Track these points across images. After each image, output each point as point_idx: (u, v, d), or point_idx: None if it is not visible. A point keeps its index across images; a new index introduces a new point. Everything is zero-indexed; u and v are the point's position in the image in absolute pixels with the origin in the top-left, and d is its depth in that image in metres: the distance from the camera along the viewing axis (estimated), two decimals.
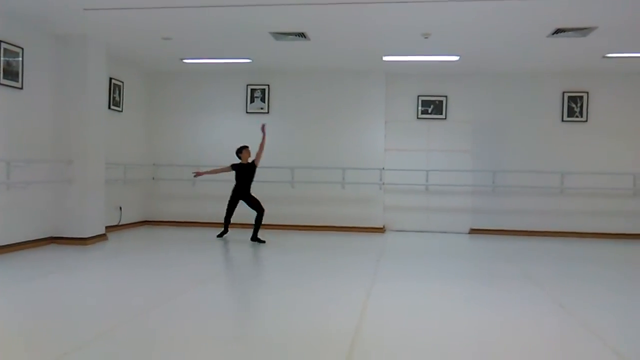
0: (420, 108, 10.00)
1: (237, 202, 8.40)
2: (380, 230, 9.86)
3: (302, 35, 7.50)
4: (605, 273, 6.46)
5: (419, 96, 10.00)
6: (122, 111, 9.43)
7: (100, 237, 7.93)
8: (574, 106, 9.72)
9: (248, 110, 10.20)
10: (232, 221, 8.56)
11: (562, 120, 9.76)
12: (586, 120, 9.70)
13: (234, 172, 8.39)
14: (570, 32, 7.08)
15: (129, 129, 9.82)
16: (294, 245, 8.27)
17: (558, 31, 7.03)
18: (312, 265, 6.64)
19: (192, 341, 3.60)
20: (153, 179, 10.39)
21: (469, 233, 9.89)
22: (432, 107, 9.96)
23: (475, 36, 7.41)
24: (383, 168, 9.80)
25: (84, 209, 7.64)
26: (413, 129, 10.04)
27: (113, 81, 9.04)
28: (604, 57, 8.34)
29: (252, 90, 10.18)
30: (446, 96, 9.95)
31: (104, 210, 8.19)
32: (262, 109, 10.14)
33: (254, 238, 8.21)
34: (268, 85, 10.14)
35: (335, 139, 10.01)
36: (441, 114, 9.95)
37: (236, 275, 5.89)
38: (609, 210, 9.62)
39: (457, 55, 8.50)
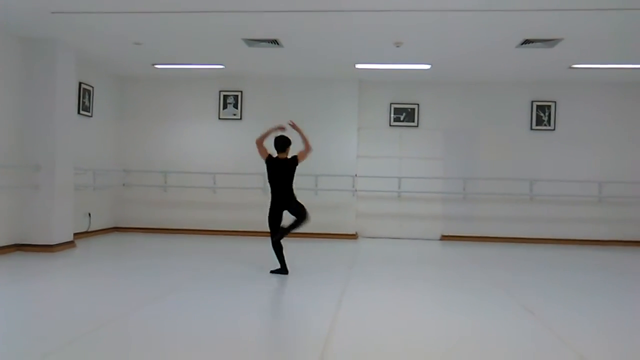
0: (392, 115, 10.09)
1: (281, 215, 6.33)
2: (353, 237, 9.88)
3: (275, 42, 7.51)
4: (573, 278, 6.59)
5: (391, 104, 10.09)
6: (92, 116, 9.28)
7: (68, 244, 7.78)
8: (542, 115, 9.92)
9: (221, 117, 10.15)
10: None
11: (531, 129, 9.95)
12: (554, 129, 9.90)
13: (264, 168, 6.43)
14: (538, 43, 7.25)
15: (99, 134, 9.67)
16: (266, 252, 8.22)
17: (526, 42, 7.18)
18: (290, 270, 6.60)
19: (160, 349, 3.55)
20: (123, 185, 10.25)
21: (440, 240, 9.99)
22: (405, 115, 10.06)
23: (446, 45, 7.52)
24: (355, 175, 9.84)
25: (51, 216, 7.49)
26: (385, 137, 10.12)
27: (83, 86, 8.89)
28: (571, 67, 8.55)
29: (225, 97, 10.13)
30: (418, 104, 10.05)
31: (73, 217, 8.03)
32: (234, 115, 10.10)
33: (280, 237, 6.26)
34: (241, 92, 10.11)
35: None
36: (413, 121, 10.05)
37: (207, 282, 5.82)
38: (576, 217, 9.83)
39: (429, 64, 8.61)
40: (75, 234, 8.19)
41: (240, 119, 10.11)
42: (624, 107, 9.83)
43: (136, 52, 8.29)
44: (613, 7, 5.78)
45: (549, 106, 9.90)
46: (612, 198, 9.77)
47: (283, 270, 6.23)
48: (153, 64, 9.10)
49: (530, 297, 5.37)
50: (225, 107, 10.14)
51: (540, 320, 4.51)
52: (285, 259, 6.28)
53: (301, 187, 9.81)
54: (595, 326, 4.46)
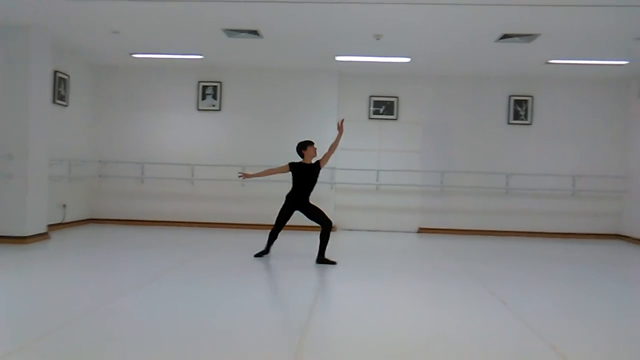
0: (372, 108, 10.11)
1: (291, 213, 6.82)
2: (332, 229, 9.88)
3: (254, 32, 7.45)
4: (546, 270, 6.71)
5: (371, 96, 10.11)
6: (67, 105, 9.13)
7: (42, 236, 7.65)
8: (520, 109, 10.03)
9: (199, 107, 10.06)
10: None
11: (508, 123, 10.06)
12: (531, 124, 10.03)
13: (290, 173, 6.90)
14: (516, 38, 7.32)
15: (75, 124, 9.52)
16: (243, 244, 8.20)
17: (505, 37, 7.25)
18: (261, 265, 6.60)
19: (134, 342, 3.53)
20: (100, 176, 10.11)
21: (418, 232, 10.07)
22: (384, 108, 10.09)
23: (426, 39, 7.55)
24: (335, 167, 9.85)
25: (24, 206, 7.35)
26: (365, 129, 10.14)
27: (58, 74, 8.74)
28: (547, 63, 8.65)
29: (204, 87, 10.04)
30: (397, 97, 10.09)
31: (47, 208, 7.89)
32: (213, 106, 10.03)
33: (321, 259, 6.61)
34: (220, 82, 10.03)
35: (288, 138, 9.93)
36: (392, 114, 10.08)
37: (182, 275, 5.79)
38: (551, 210, 9.99)
39: (408, 57, 8.63)
40: (49, 226, 8.06)
41: (220, 110, 10.04)
42: (598, 103, 9.99)
43: (114, 41, 8.17)
44: (588, 4, 5.86)
45: (526, 101, 10.01)
46: (586, 192, 9.95)
47: (265, 251, 6.85)
48: (131, 54, 8.97)
49: (504, 288, 5.45)
50: (204, 97, 10.05)
51: (512, 310, 4.58)
52: (270, 248, 6.90)
53: (280, 179, 9.84)
54: (566, 316, 4.55)
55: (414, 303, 4.96)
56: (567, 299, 5.22)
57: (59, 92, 8.83)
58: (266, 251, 6.88)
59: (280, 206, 6.84)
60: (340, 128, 6.71)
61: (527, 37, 7.24)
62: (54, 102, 8.63)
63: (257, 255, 6.82)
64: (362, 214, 10.21)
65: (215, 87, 10.02)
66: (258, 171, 7.07)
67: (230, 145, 10.02)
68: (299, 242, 8.57)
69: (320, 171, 6.89)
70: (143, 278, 5.44)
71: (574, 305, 4.95)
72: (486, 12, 6.29)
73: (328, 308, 4.55)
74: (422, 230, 10.07)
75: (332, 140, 6.82)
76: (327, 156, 6.77)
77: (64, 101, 9.02)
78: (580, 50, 7.91)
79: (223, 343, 3.57)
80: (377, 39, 7.53)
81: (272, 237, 6.87)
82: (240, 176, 6.96)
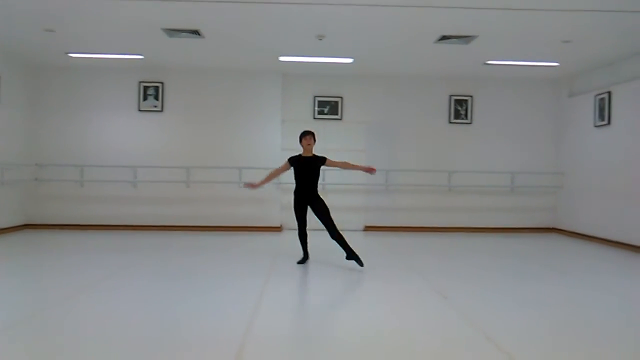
0: (316, 108, 10.16)
1: (305, 208, 6.58)
2: (278, 229, 9.90)
3: (196, 32, 7.36)
4: (485, 264, 6.93)
5: (315, 97, 10.15)
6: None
7: None
8: (460, 109, 10.32)
9: (141, 108, 9.83)
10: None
11: (450, 122, 10.32)
12: (471, 123, 10.33)
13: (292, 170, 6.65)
14: (454, 39, 7.52)
15: (9, 126, 9.11)
16: (187, 246, 8.08)
17: (443, 38, 7.44)
18: (206, 266, 6.52)
19: (70, 351, 3.42)
20: (36, 179, 9.72)
21: (364, 230, 10.19)
22: (328, 108, 10.15)
23: (368, 40, 7.65)
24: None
25: None
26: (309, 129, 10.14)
27: None
28: (485, 63, 8.93)
29: (145, 88, 9.82)
30: (342, 97, 10.18)
31: None
32: (155, 107, 9.82)
33: (351, 255, 6.31)
34: (162, 83, 9.84)
35: (232, 138, 9.92)
36: (337, 114, 10.16)
37: (124, 280, 5.65)
38: (491, 206, 10.32)
39: (351, 58, 8.73)
40: None
41: (162, 110, 9.85)
42: (534, 102, 10.40)
43: (48, 39, 7.86)
44: (520, 7, 6.09)
45: (466, 100, 10.30)
46: (523, 188, 10.34)
47: (305, 257, 6.69)
48: (67, 53, 8.67)
49: (445, 283, 5.61)
50: (145, 98, 9.83)
51: (452, 304, 4.72)
52: (307, 251, 6.71)
53: (225, 180, 9.77)
54: (503, 307, 4.72)
55: (355, 300, 5.02)
56: (505, 291, 5.41)
57: None
58: (305, 256, 6.70)
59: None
60: (369, 170, 6.55)
61: (465, 38, 7.45)
62: None
63: (299, 263, 6.61)
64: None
65: (156, 87, 9.82)
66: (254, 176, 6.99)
67: (173, 146, 9.84)
68: (243, 242, 8.53)
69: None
70: (79, 285, 5.27)
71: (512, 297, 5.14)
72: (424, 13, 6.43)
73: (272, 309, 4.54)
74: (368, 229, 10.20)
75: (342, 162, 6.64)
76: (336, 163, 6.55)
77: None
78: (515, 52, 8.21)
79: (161, 348, 3.51)
80: (320, 39, 7.57)
81: (303, 240, 6.68)
82: (247, 186, 6.79)
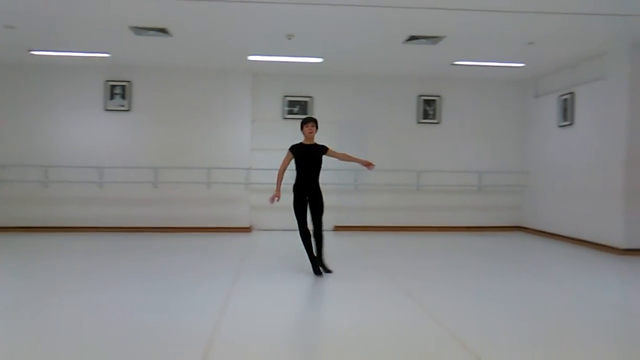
0: (286, 108, 10.14)
1: (306, 203, 6.09)
2: (247, 229, 9.85)
3: (163, 31, 7.27)
4: (453, 263, 7.03)
5: (285, 96, 10.13)
6: None
7: None
8: (429, 109, 10.43)
9: (107, 108, 9.66)
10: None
11: (418, 122, 10.43)
12: (439, 122, 10.45)
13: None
14: (422, 40, 7.60)
15: None
16: (155, 248, 7.98)
17: (412, 38, 7.51)
18: (174, 267, 6.45)
19: (36, 354, 3.34)
20: None
21: (334, 230, 10.21)
22: (298, 107, 10.15)
23: (337, 39, 7.67)
24: (249, 168, 9.79)
25: None
26: (279, 129, 10.12)
27: None
28: (453, 64, 9.05)
29: (112, 87, 9.65)
30: (312, 97, 10.18)
31: None
32: (122, 106, 9.66)
33: (316, 260, 6.04)
34: (129, 82, 9.68)
35: (201, 138, 9.82)
36: (307, 114, 10.13)
37: (90, 283, 5.55)
38: (459, 205, 10.47)
39: (321, 57, 8.74)
40: None
41: (129, 110, 9.69)
42: (500, 103, 10.58)
43: (9, 36, 7.64)
44: (486, 9, 6.19)
45: (435, 100, 10.42)
46: (490, 187, 10.51)
47: (314, 269, 5.89)
48: (29, 50, 8.45)
49: (412, 282, 5.66)
50: (112, 97, 9.66)
51: (419, 303, 4.77)
52: (314, 250, 6.00)
53: (195, 180, 9.68)
54: (469, 305, 4.79)
55: (324, 300, 5.03)
56: (472, 289, 5.49)
57: None
58: (315, 261, 5.98)
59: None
60: (367, 165, 6.37)
61: (433, 39, 7.53)
62: None
63: (317, 273, 5.91)
64: (278, 214, 10.15)
65: (124, 86, 9.66)
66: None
67: (141, 146, 9.70)
68: (212, 243, 8.46)
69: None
70: (42, 289, 5.16)
71: (479, 295, 5.22)
72: (393, 14, 6.47)
73: (239, 310, 4.51)
74: (337, 228, 10.22)
75: (343, 153, 6.44)
76: (337, 154, 6.28)
77: None
78: (482, 53, 8.34)
79: (128, 348, 3.46)
80: (289, 38, 7.56)
81: (307, 241, 6.01)
82: (273, 200, 6.07)
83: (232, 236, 9.26)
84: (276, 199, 6.04)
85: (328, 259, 6.22)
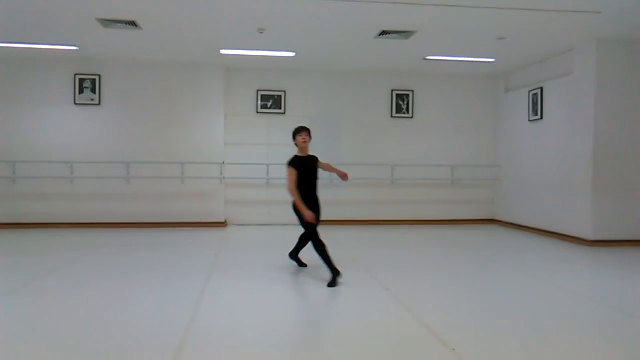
0: (259, 102, 10.10)
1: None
2: (222, 224, 9.80)
3: (132, 23, 7.15)
4: (428, 256, 7.12)
5: (258, 90, 10.09)
6: None
7: None
8: (401, 103, 10.50)
9: (77, 102, 9.49)
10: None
11: (391, 116, 10.49)
12: (412, 117, 10.53)
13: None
14: (394, 34, 7.63)
15: None
16: (127, 244, 7.89)
17: (383, 33, 7.53)
18: (147, 264, 6.38)
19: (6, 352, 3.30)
20: None
21: None
22: (271, 102, 10.12)
23: (308, 33, 7.66)
24: (223, 162, 9.74)
25: None
26: (253, 123, 10.12)
27: None
28: (424, 58, 9.11)
29: (81, 80, 9.48)
30: (285, 91, 10.16)
31: None
32: (92, 100, 9.50)
33: (294, 255, 6.19)
34: (99, 75, 9.53)
35: (173, 133, 9.73)
36: (280, 108, 10.14)
37: (59, 280, 5.46)
38: (432, 199, 10.58)
39: (293, 52, 8.71)
40: None
41: (99, 104, 9.54)
42: (472, 97, 10.71)
43: None
44: (456, 4, 6.24)
45: (407, 95, 10.49)
46: (463, 180, 10.65)
47: (334, 274, 5.34)
48: None
49: (387, 275, 5.71)
50: (81, 91, 9.49)
51: (394, 295, 4.81)
52: (331, 257, 5.48)
53: (168, 175, 9.58)
54: (444, 298, 4.85)
55: (298, 295, 5.04)
56: (447, 281, 5.57)
57: None
58: (335, 270, 5.37)
59: None
60: (342, 176, 6.15)
61: (405, 33, 7.57)
62: None
63: (330, 285, 5.21)
64: (252, 208, 10.19)
65: (93, 80, 9.50)
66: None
67: (112, 141, 9.56)
68: (186, 238, 8.41)
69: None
70: (7, 287, 5.06)
71: (453, 288, 5.30)
72: (363, 8, 6.48)
73: (212, 307, 4.50)
74: None
75: (327, 164, 6.18)
76: (323, 164, 6.05)
77: None
78: (453, 48, 8.42)
79: (96, 346, 3.43)
80: (261, 32, 7.52)
81: (324, 251, 5.53)
82: (309, 218, 5.62)
83: (207, 231, 9.21)
84: (313, 215, 5.63)
85: (303, 251, 6.20)
